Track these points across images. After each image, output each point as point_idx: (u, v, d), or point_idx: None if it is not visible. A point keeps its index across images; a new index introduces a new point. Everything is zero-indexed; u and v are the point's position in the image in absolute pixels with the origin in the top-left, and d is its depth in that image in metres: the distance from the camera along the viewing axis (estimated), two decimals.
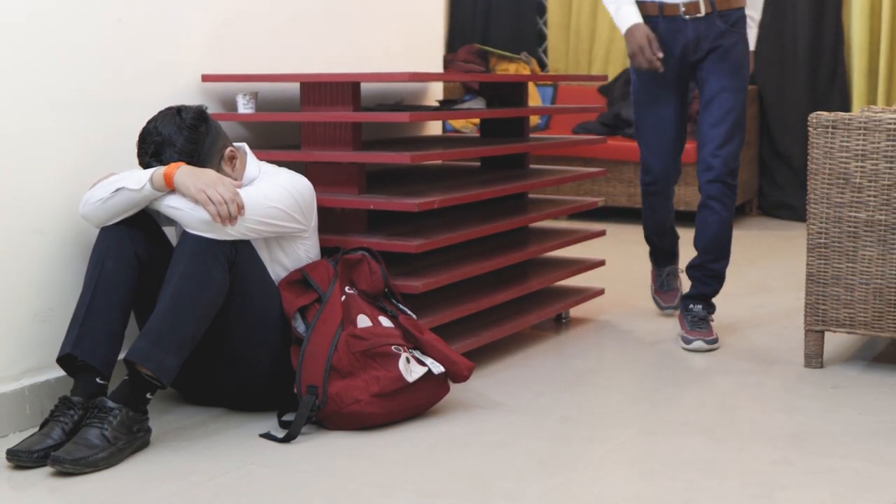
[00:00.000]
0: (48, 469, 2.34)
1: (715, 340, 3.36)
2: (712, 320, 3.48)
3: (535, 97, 6.33)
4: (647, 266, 4.73)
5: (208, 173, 2.57)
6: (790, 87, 6.02)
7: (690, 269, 3.46)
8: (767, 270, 4.62)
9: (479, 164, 3.91)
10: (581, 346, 3.45)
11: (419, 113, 3.17)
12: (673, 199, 3.62)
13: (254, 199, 2.60)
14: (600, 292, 3.82)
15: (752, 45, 3.45)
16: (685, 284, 3.79)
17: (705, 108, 3.31)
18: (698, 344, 3.33)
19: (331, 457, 2.46)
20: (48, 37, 2.69)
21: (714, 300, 3.53)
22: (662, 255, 3.77)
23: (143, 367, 2.45)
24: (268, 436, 2.56)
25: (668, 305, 3.77)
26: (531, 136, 4.11)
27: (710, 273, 3.42)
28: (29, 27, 2.65)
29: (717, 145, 3.28)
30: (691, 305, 3.45)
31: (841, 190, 3.02)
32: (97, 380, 2.51)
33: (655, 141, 3.45)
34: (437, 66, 4.22)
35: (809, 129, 3.04)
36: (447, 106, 3.61)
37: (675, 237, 3.75)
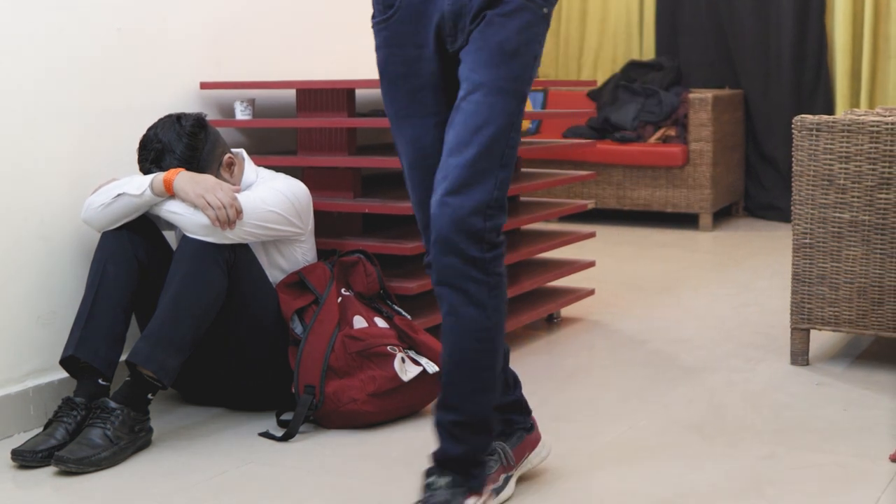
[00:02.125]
0: (52, 468, 2.37)
1: None
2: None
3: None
4: (637, 267, 4.77)
5: (207, 179, 2.61)
6: (775, 91, 6.07)
7: (435, 412, 2.01)
8: (754, 270, 4.64)
9: None
10: (572, 345, 3.47)
11: None
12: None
13: (252, 204, 2.64)
14: (590, 293, 3.84)
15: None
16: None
17: (448, 122, 1.99)
18: None
19: (328, 455, 2.48)
20: (50, 47, 2.72)
21: (500, 458, 2.18)
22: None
23: (145, 369, 2.48)
24: (267, 435, 2.59)
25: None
26: (522, 140, 4.14)
27: (457, 419, 1.97)
28: (31, 37, 2.67)
29: (448, 187, 1.91)
30: (431, 478, 1.99)
31: (825, 191, 3.05)
32: (99, 381, 2.53)
33: (415, 178, 2.08)
34: None
35: (794, 131, 3.06)
36: None
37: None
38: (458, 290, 1.91)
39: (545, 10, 2.00)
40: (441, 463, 1.98)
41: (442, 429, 1.98)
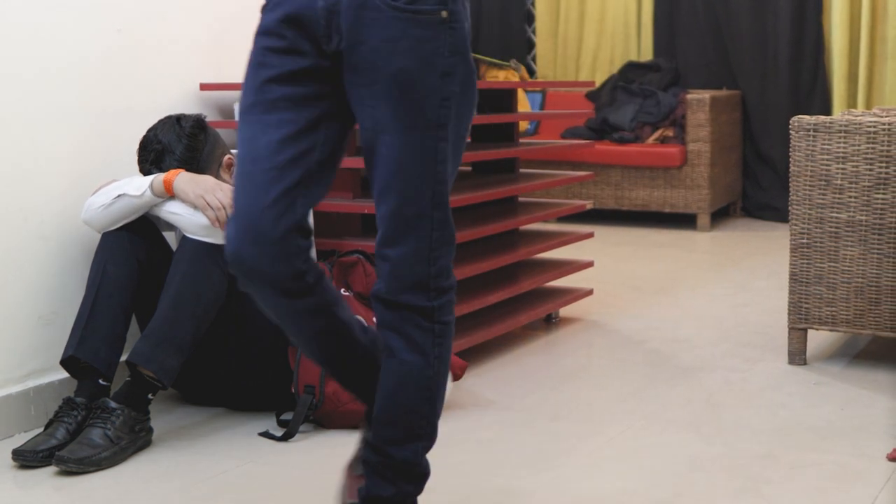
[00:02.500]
0: (53, 468, 2.37)
1: None
2: None
3: (524, 103, 6.39)
4: (635, 267, 4.78)
5: (207, 180, 2.61)
6: (772, 92, 6.08)
7: (364, 448, 1.92)
8: (751, 270, 4.65)
9: (470, 168, 3.94)
10: (570, 345, 3.47)
11: None
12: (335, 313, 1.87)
13: None
14: (589, 293, 3.85)
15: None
16: None
17: (368, 165, 1.78)
18: None
19: (328, 455, 2.48)
20: (50, 47, 2.72)
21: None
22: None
23: (145, 369, 2.49)
24: (266, 435, 2.59)
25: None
26: (521, 140, 4.14)
27: (389, 461, 1.87)
28: (31, 38, 2.68)
29: (381, 239, 1.78)
30: None
31: (822, 191, 3.06)
32: (100, 381, 2.54)
33: (243, 184, 1.77)
34: None
35: (791, 132, 3.07)
36: None
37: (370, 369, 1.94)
38: (401, 335, 1.80)
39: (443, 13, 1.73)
40: (367, 499, 1.88)
41: (370, 468, 1.87)
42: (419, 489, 1.91)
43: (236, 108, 3.19)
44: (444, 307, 1.81)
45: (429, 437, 1.88)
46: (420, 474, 1.90)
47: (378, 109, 1.73)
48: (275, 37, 1.76)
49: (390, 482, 1.87)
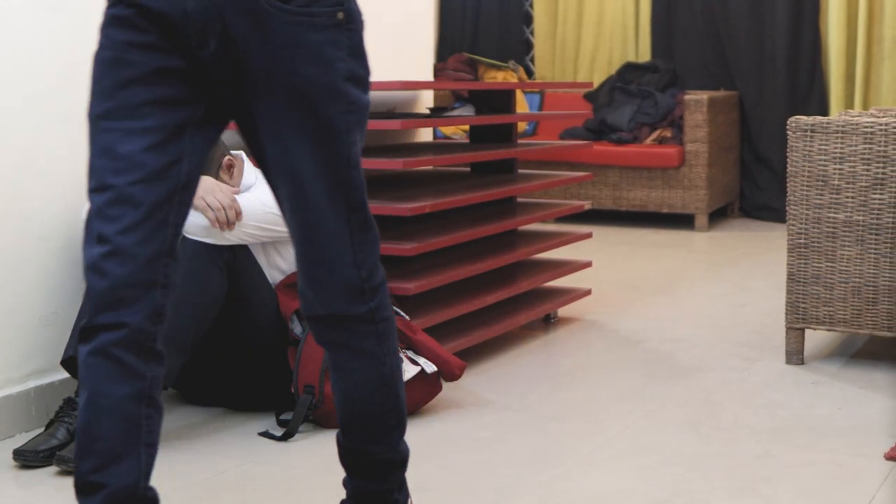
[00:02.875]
0: (53, 468, 2.38)
1: None
2: None
3: (522, 104, 6.40)
4: (634, 267, 4.79)
5: (207, 181, 2.62)
6: (769, 92, 6.10)
7: (341, 448, 1.88)
8: (749, 270, 4.66)
9: (468, 169, 3.95)
10: (569, 345, 3.48)
11: (411, 120, 3.20)
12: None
13: (251, 205, 2.66)
14: (587, 293, 3.86)
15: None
16: None
17: (271, 181, 1.68)
18: None
19: (327, 454, 2.47)
20: (50, 48, 2.73)
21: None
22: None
23: None
24: (266, 434, 2.60)
25: None
26: (519, 141, 4.15)
27: (368, 457, 1.84)
28: (32, 39, 2.68)
29: (303, 254, 1.70)
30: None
31: (820, 192, 3.07)
32: None
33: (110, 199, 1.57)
34: (428, 75, 4.26)
35: (789, 132, 3.08)
36: (438, 113, 3.65)
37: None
38: (348, 349, 1.74)
39: (340, 14, 1.61)
40: (356, 498, 1.86)
41: (351, 467, 1.85)
42: (404, 469, 1.87)
43: None
44: (381, 305, 1.73)
45: (400, 423, 1.82)
46: (401, 460, 1.85)
47: (280, 122, 1.59)
48: (135, 30, 1.55)
49: (375, 475, 1.83)
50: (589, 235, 3.92)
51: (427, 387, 2.74)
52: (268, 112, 1.60)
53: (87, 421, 1.61)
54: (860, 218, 3.02)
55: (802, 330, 3.17)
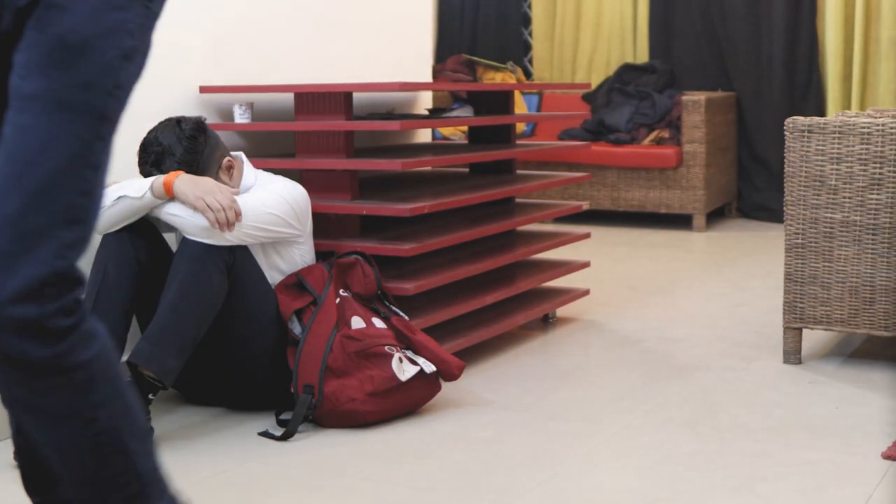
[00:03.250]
0: None
1: None
2: None
3: (521, 105, 6.41)
4: (631, 267, 4.80)
5: (207, 181, 2.63)
6: (767, 93, 6.11)
7: None
8: (747, 270, 4.67)
9: (467, 169, 3.96)
10: (567, 344, 3.49)
11: (410, 121, 3.21)
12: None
13: (251, 206, 2.67)
14: (585, 293, 3.87)
15: None
16: None
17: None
18: None
19: (327, 454, 2.50)
20: None
21: None
22: None
23: (146, 369, 2.50)
24: (266, 434, 2.61)
25: None
26: (518, 142, 4.16)
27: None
28: None
29: None
30: None
31: (817, 192, 3.08)
32: None
33: None
34: (427, 76, 4.28)
35: (786, 133, 3.08)
36: (436, 114, 3.66)
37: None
38: (30, 410, 1.33)
39: None
40: None
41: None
42: (166, 491, 1.47)
43: (235, 110, 3.22)
44: (75, 347, 1.32)
45: (143, 491, 1.41)
46: (159, 487, 1.44)
47: (27, 75, 1.29)
48: None
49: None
50: (587, 236, 3.93)
51: (426, 386, 2.75)
52: (21, 60, 1.33)
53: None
54: (857, 218, 3.03)
55: (800, 329, 3.18)
